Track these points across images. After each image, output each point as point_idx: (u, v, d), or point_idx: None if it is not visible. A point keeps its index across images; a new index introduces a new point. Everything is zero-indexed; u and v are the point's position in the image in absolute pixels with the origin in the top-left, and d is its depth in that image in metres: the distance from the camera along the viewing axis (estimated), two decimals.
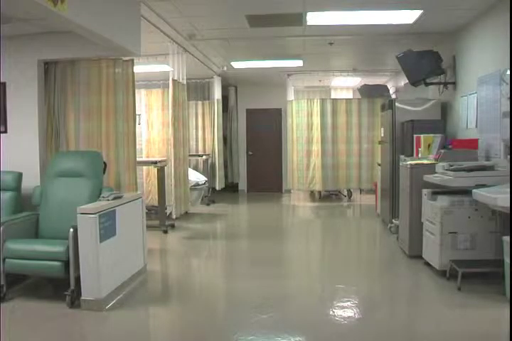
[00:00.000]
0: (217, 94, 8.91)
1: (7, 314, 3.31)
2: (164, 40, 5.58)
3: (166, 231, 6.13)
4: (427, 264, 4.31)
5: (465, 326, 3.10)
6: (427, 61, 5.50)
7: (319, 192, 9.63)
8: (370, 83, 9.24)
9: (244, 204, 9.60)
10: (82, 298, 3.38)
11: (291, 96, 9.58)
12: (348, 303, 3.60)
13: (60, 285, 3.55)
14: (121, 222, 3.73)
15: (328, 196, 9.77)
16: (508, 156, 3.97)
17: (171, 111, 6.10)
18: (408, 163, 4.83)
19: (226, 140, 10.03)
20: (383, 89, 9.10)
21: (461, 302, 3.49)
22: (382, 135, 6.67)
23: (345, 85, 10.69)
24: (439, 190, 4.27)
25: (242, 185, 10.59)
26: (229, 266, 4.97)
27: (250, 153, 10.54)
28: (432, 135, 5.23)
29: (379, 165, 7.05)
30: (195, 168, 8.62)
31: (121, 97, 4.64)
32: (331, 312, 3.44)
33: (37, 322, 3.19)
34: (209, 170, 8.85)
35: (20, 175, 4.22)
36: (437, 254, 4.03)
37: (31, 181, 4.28)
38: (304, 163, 9.03)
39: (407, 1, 4.50)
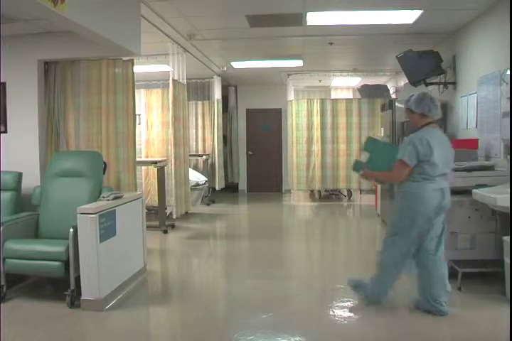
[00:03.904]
0: (217, 94, 8.91)
1: (7, 314, 3.31)
2: (164, 40, 5.58)
3: (166, 231, 6.13)
4: None
5: (465, 326, 3.10)
6: (427, 61, 5.50)
7: (319, 192, 9.65)
8: (370, 83, 9.23)
9: (244, 204, 9.59)
10: (82, 298, 3.38)
11: (291, 96, 9.57)
12: (348, 303, 3.60)
13: (60, 285, 3.55)
14: (121, 222, 3.73)
15: (328, 196, 9.77)
16: (508, 156, 3.97)
17: (171, 111, 6.10)
18: None
19: (226, 140, 10.04)
20: (383, 89, 9.10)
21: (461, 303, 3.49)
22: (382, 135, 6.66)
23: (345, 85, 10.69)
24: None
25: (242, 185, 10.59)
26: (229, 266, 4.97)
27: (250, 153, 10.54)
28: None
29: None
30: (195, 168, 8.62)
31: (121, 97, 4.64)
32: (331, 312, 3.44)
33: (37, 322, 3.19)
34: (209, 170, 8.85)
35: (20, 175, 4.21)
36: None
37: (31, 181, 4.28)
38: (304, 162, 9.03)
39: (407, 1, 4.50)
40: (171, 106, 6.10)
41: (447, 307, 3.23)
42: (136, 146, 4.93)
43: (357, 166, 3.42)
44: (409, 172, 3.16)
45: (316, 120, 8.97)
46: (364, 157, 3.38)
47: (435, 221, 3.23)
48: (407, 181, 3.20)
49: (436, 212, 3.18)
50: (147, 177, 7.15)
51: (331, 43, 6.27)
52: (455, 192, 4.08)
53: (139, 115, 6.83)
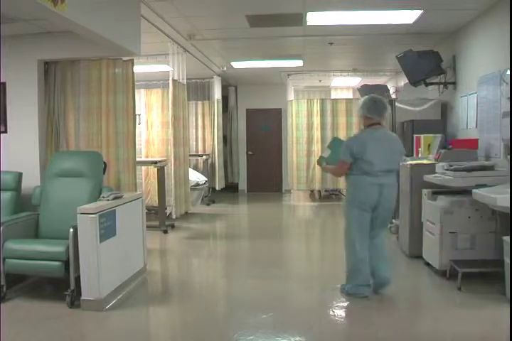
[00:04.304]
0: (217, 94, 8.91)
1: (7, 314, 3.31)
2: (164, 40, 5.58)
3: (166, 231, 6.13)
4: (427, 264, 4.31)
5: (465, 326, 3.10)
6: (427, 61, 5.50)
7: (319, 192, 9.64)
8: (370, 83, 9.22)
9: (244, 204, 9.59)
10: (82, 298, 3.38)
11: (291, 96, 9.57)
12: (348, 303, 3.60)
13: (60, 285, 3.55)
14: (121, 222, 3.73)
15: (328, 196, 9.77)
16: (508, 156, 3.97)
17: (171, 111, 6.10)
18: (408, 163, 4.83)
19: (226, 140, 10.03)
20: (383, 89, 9.08)
21: (461, 302, 3.49)
22: None
23: (345, 85, 10.69)
24: (439, 190, 4.27)
25: (242, 185, 10.59)
26: (229, 266, 4.97)
27: (250, 153, 10.54)
28: (432, 135, 5.23)
29: None
30: (195, 168, 8.62)
31: (121, 97, 4.64)
32: (331, 312, 3.44)
33: (37, 322, 3.19)
34: (209, 170, 8.85)
35: (20, 175, 4.21)
36: (437, 254, 4.03)
37: (31, 181, 4.28)
38: (304, 162, 9.03)
39: (407, 1, 4.50)
40: (170, 106, 6.10)
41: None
42: (136, 146, 4.93)
43: (321, 161, 3.96)
44: (350, 167, 3.58)
45: (316, 120, 8.97)
46: (326, 153, 3.92)
47: (376, 214, 3.58)
48: (349, 175, 3.63)
49: (374, 204, 3.54)
50: (147, 177, 7.15)
51: (331, 43, 6.27)
52: (455, 192, 4.10)
53: (139, 115, 6.83)
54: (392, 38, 5.92)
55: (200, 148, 9.17)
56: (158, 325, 3.38)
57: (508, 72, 4.07)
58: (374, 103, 3.57)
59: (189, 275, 4.66)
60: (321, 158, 3.99)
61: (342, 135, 8.84)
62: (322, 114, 8.94)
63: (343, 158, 3.57)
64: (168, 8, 4.57)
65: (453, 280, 3.80)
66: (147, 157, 7.07)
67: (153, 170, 6.78)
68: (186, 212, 6.83)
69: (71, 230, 3.38)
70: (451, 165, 4.09)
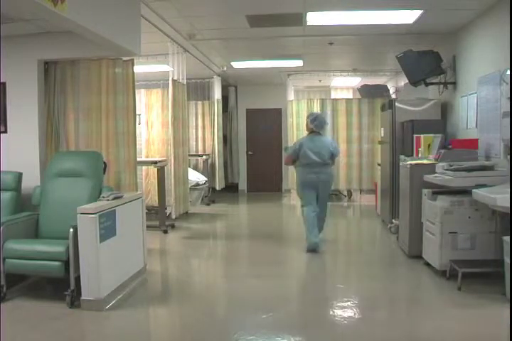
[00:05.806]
0: (217, 94, 8.91)
1: (7, 314, 3.31)
2: (164, 40, 5.58)
3: (166, 231, 6.13)
4: (427, 264, 4.31)
5: (465, 326, 3.10)
6: (427, 61, 5.50)
7: None
8: (370, 83, 9.23)
9: (244, 204, 9.60)
10: (82, 298, 3.38)
11: (291, 96, 9.57)
12: (348, 303, 3.60)
13: (60, 285, 3.54)
14: (121, 222, 3.73)
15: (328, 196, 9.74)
16: (508, 156, 3.97)
17: (170, 111, 6.10)
18: (408, 163, 4.83)
19: (226, 140, 10.03)
20: (383, 89, 9.10)
21: (461, 302, 3.49)
22: (382, 135, 6.67)
23: (345, 85, 10.69)
24: (439, 190, 4.27)
25: (242, 185, 10.59)
26: (229, 266, 4.97)
27: (250, 153, 10.54)
28: (432, 135, 5.23)
29: (379, 165, 7.05)
30: (195, 168, 8.61)
31: (121, 97, 4.64)
32: (331, 312, 3.44)
33: (37, 322, 3.19)
34: (209, 170, 8.85)
35: (20, 175, 4.21)
36: (437, 254, 4.03)
37: (31, 181, 4.28)
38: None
39: (407, 1, 4.50)
40: (170, 106, 6.10)
41: None
42: (137, 146, 4.93)
43: (286, 149, 5.55)
44: (294, 160, 5.21)
45: None
46: (290, 148, 5.43)
47: (318, 192, 5.17)
48: (296, 167, 5.26)
49: (315, 186, 5.13)
50: (147, 177, 7.15)
51: (331, 43, 6.27)
52: (455, 192, 4.11)
53: (139, 115, 6.83)
54: (392, 38, 5.92)
55: (200, 148, 9.17)
56: (158, 325, 3.38)
57: (508, 72, 4.07)
58: (315, 120, 5.17)
59: (189, 275, 4.66)
60: (286, 147, 5.68)
61: (342, 135, 8.89)
62: None
63: (289, 153, 5.29)
64: (168, 8, 4.57)
65: (453, 280, 3.80)
66: (147, 157, 7.06)
67: (153, 170, 6.77)
68: (186, 212, 6.83)
69: (71, 230, 3.38)
70: (451, 165, 4.09)
